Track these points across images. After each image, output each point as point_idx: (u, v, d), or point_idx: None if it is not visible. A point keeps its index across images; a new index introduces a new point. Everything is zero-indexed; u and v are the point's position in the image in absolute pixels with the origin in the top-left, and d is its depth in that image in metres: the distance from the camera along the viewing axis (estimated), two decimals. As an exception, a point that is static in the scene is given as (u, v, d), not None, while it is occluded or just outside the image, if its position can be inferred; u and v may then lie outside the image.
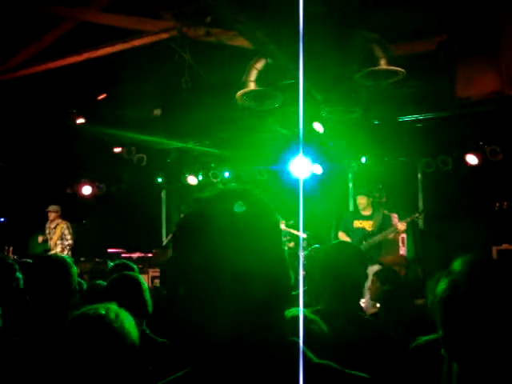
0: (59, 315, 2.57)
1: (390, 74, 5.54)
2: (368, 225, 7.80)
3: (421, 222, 10.09)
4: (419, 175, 10.29)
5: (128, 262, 4.16)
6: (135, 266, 4.04)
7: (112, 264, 4.79)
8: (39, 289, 2.68)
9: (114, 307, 1.79)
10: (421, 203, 10.27)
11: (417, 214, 8.25)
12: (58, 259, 2.81)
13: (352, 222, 7.90)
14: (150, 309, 3.02)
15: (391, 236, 7.97)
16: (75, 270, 2.84)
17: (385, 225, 7.78)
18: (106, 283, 3.39)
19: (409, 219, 7.97)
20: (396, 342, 2.80)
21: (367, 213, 7.91)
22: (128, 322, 1.75)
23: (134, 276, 3.12)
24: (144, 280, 3.17)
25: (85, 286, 3.73)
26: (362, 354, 2.13)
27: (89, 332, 1.69)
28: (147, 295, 3.04)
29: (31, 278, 2.75)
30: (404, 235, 9.33)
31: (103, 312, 1.73)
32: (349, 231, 7.81)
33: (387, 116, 8.77)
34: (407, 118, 9.02)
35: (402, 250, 9.32)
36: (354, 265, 2.70)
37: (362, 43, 5.41)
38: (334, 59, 5.48)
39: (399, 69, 5.41)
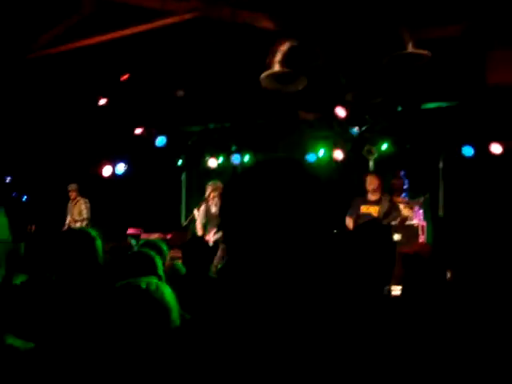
0: (83, 288, 2.60)
1: (417, 57, 5.47)
2: (374, 210, 7.69)
3: (441, 211, 10.03)
4: (441, 164, 10.17)
5: (157, 242, 4.22)
6: (164, 245, 4.10)
7: (136, 242, 4.86)
8: (64, 261, 2.70)
9: (154, 280, 1.85)
10: (442, 192, 10.16)
11: (421, 199, 8.20)
12: (82, 232, 2.82)
13: (359, 207, 7.80)
14: None
15: (397, 221, 7.89)
16: (100, 243, 2.86)
17: (391, 211, 7.71)
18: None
19: (413, 203, 7.98)
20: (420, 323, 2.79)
21: (375, 197, 7.79)
22: (168, 294, 1.81)
23: (149, 253, 3.20)
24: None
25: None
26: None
27: (132, 302, 1.75)
28: (161, 273, 3.14)
29: (56, 250, 2.77)
30: (424, 223, 9.26)
31: (144, 285, 1.79)
32: (356, 216, 7.70)
33: (410, 102, 8.67)
34: (431, 106, 8.90)
35: (422, 238, 9.24)
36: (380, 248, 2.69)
37: (389, 27, 5.34)
38: (361, 42, 5.42)
39: (426, 52, 5.34)
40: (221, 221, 1.17)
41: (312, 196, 1.12)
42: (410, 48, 5.25)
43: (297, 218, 1.08)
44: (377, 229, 2.69)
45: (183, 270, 4.29)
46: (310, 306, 1.08)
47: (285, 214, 1.08)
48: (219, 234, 8.25)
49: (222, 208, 1.16)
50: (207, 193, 8.56)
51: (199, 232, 8.57)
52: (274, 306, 1.07)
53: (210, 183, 8.68)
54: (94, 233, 2.88)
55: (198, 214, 8.70)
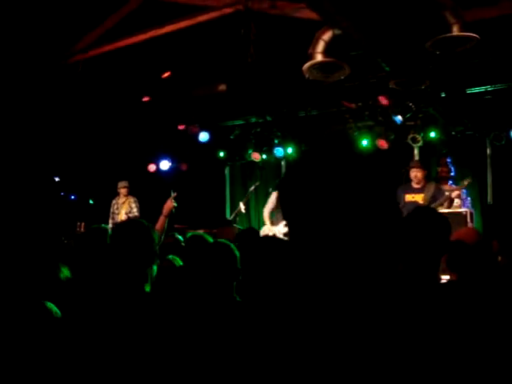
0: (138, 280, 2.62)
1: (463, 41, 5.33)
2: (420, 197, 7.56)
3: (489, 198, 9.80)
4: (488, 150, 9.92)
5: (203, 235, 4.26)
6: (210, 238, 4.13)
7: (182, 238, 4.91)
8: (122, 252, 2.69)
9: None
10: (489, 178, 9.93)
11: (466, 181, 7.99)
12: (141, 223, 2.82)
13: (403, 197, 7.63)
14: None
15: (445, 205, 7.73)
16: (157, 235, 2.88)
17: (437, 196, 7.55)
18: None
19: (461, 186, 7.82)
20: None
21: (419, 186, 7.65)
22: None
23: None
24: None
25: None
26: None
27: None
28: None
29: (115, 240, 2.76)
30: (472, 211, 9.07)
31: None
32: (402, 206, 7.53)
33: (455, 87, 8.49)
34: (476, 90, 8.69)
35: (470, 226, 9.05)
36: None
37: (432, 9, 5.22)
38: (404, 27, 5.32)
39: (474, 35, 5.19)
40: (283, 212, 1.18)
41: (368, 179, 1.12)
42: (456, 31, 5.13)
43: (357, 200, 1.08)
44: (431, 215, 2.65)
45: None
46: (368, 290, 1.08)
47: (345, 199, 1.08)
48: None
49: (282, 199, 1.18)
50: None
51: (266, 221, 8.55)
52: (334, 288, 1.07)
53: None
54: (151, 226, 2.88)
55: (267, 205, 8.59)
